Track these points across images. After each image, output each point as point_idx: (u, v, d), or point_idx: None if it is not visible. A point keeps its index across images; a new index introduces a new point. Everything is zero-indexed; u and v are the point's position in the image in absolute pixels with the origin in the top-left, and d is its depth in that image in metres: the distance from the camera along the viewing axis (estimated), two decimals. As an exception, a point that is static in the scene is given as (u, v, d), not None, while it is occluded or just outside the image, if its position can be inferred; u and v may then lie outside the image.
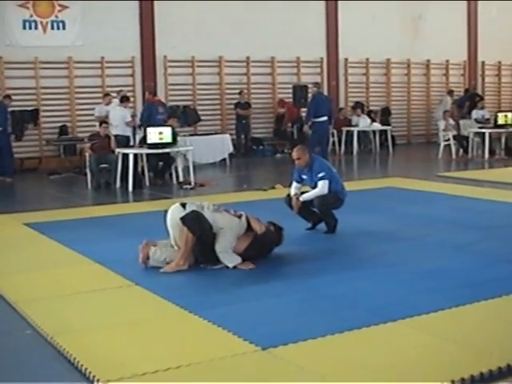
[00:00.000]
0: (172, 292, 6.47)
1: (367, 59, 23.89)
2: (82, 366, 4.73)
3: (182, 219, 7.28)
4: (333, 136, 22.15)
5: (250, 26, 21.19)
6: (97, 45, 18.98)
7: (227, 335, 5.27)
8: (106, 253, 8.14)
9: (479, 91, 26.26)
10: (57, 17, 18.71)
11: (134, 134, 16.68)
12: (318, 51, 22.85)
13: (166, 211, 7.69)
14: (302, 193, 9.20)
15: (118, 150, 14.53)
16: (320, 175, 8.96)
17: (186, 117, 19.35)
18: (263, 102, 22.11)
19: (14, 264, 7.91)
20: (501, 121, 19.18)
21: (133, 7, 19.72)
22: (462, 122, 20.80)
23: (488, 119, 20.37)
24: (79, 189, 14.72)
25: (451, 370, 4.51)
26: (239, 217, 7.57)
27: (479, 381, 4.41)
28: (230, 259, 7.32)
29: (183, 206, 7.62)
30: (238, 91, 20.94)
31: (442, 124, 19.89)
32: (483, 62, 26.78)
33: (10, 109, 16.89)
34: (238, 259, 7.35)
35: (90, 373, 4.60)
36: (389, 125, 22.88)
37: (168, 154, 14.78)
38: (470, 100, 23.70)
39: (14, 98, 17.68)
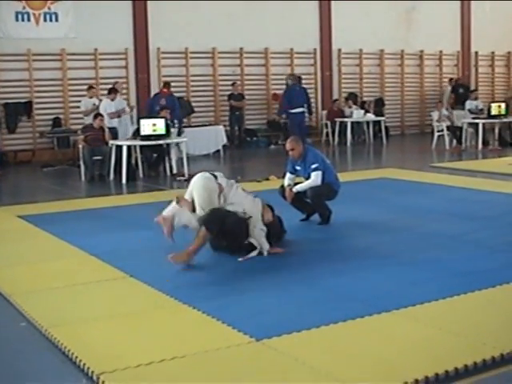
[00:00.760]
0: (166, 284, 6.47)
1: (361, 50, 23.87)
2: (76, 357, 4.73)
3: (202, 221, 7.21)
4: (326, 127, 22.19)
5: (244, 17, 21.15)
6: (90, 37, 18.93)
7: (222, 327, 5.28)
8: (101, 245, 8.14)
9: (472, 82, 26.29)
10: (49, 9, 18.63)
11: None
12: (311, 42, 22.82)
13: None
14: (296, 184, 9.20)
15: (111, 142, 14.51)
16: (313, 166, 8.97)
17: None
18: (257, 94, 22.09)
19: (8, 256, 7.91)
20: (494, 111, 19.18)
21: (126, -1, 19.71)
22: (455, 112, 20.81)
23: (481, 110, 20.38)
24: (73, 181, 14.69)
25: (445, 359, 4.52)
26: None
27: (473, 370, 4.43)
28: (265, 246, 7.45)
29: (214, 176, 7.69)
30: (231, 83, 20.91)
31: (435, 115, 19.91)
32: (476, 53, 26.78)
33: (3, 101, 16.82)
34: (267, 244, 7.46)
35: (84, 364, 4.60)
36: (382, 116, 22.89)
37: (162, 145, 14.76)
38: (453, 91, 23.84)
39: (7, 90, 17.67)
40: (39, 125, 18.75)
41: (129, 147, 14.34)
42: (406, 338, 5.00)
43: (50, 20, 18.69)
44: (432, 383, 4.27)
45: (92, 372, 4.49)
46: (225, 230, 7.18)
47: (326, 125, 22.24)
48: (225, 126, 20.17)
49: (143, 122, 14.46)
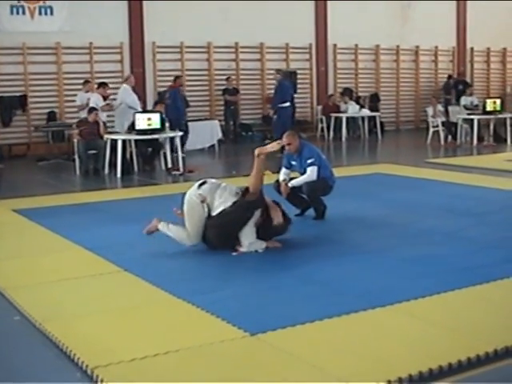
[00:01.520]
0: (161, 278, 6.47)
1: (356, 45, 23.86)
2: (70, 351, 4.73)
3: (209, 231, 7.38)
4: (321, 122, 22.19)
5: (239, 11, 21.10)
6: (85, 31, 18.87)
7: (216, 321, 5.28)
8: (95, 239, 8.13)
9: (468, 77, 26.28)
10: (44, 2, 18.56)
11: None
12: (306, 37, 22.81)
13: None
14: (291, 179, 9.21)
15: (106, 136, 14.49)
16: (309, 161, 8.97)
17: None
18: (252, 88, 22.08)
19: (2, 250, 7.89)
20: (489, 107, 19.21)
21: (121, -7, 19.66)
22: (450, 108, 20.82)
23: (477, 105, 20.40)
24: (68, 175, 14.68)
25: (439, 355, 4.53)
26: None
27: (467, 366, 4.44)
28: (259, 247, 7.40)
29: (202, 183, 7.65)
30: (225, 77, 20.90)
31: (430, 110, 19.92)
32: (472, 49, 26.78)
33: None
34: (264, 243, 7.43)
35: (78, 359, 4.60)
36: (378, 111, 22.90)
37: (157, 140, 14.75)
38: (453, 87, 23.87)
39: (1, 83, 17.65)
40: (34, 118, 18.71)
41: (124, 141, 14.33)
42: (400, 333, 5.01)
43: (45, 13, 18.63)
44: (426, 378, 4.27)
45: (86, 366, 4.48)
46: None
47: (321, 120, 22.25)
48: (220, 120, 20.16)
49: (138, 116, 14.44)
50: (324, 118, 22.05)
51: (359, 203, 10.19)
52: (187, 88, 20.49)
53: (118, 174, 13.84)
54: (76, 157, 14.67)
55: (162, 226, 7.59)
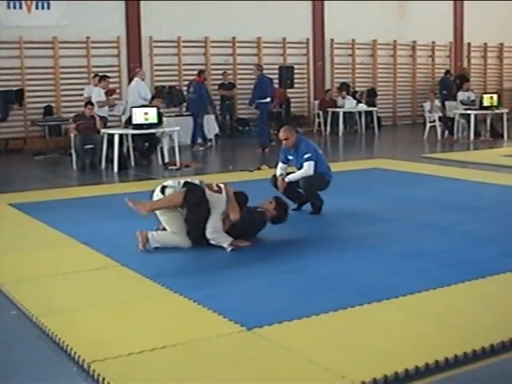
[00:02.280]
0: (158, 272, 6.48)
1: (353, 40, 23.86)
2: (67, 346, 4.73)
3: (187, 185, 7.35)
4: (318, 117, 22.19)
5: (236, 6, 21.07)
6: (82, 25, 18.86)
7: (213, 315, 5.29)
8: (92, 233, 8.13)
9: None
10: (41, -4, 18.59)
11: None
12: (304, 32, 22.80)
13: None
14: (288, 173, 9.21)
15: (103, 131, 14.48)
16: (306, 156, 8.98)
17: (171, 97, 19.29)
18: (249, 83, 21.97)
19: (-2, 245, 7.90)
20: (486, 102, 19.20)
21: (118, -13, 19.63)
22: (447, 103, 20.82)
23: (473, 101, 20.39)
24: (64, 169, 14.67)
25: (435, 350, 4.53)
26: (220, 192, 7.51)
27: (463, 361, 4.44)
28: (223, 239, 7.33)
29: (163, 189, 7.58)
30: (222, 72, 20.90)
31: (428, 105, 19.92)
32: (469, 44, 26.81)
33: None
34: (229, 238, 7.35)
35: (75, 353, 4.60)
36: (374, 106, 22.89)
37: (153, 134, 14.74)
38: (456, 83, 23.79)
39: (-2, 78, 17.63)
40: (31, 113, 18.70)
41: (120, 136, 14.32)
42: (396, 328, 5.02)
43: (42, 8, 18.60)
44: (422, 373, 4.28)
45: (83, 360, 4.49)
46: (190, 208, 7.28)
47: (318, 115, 22.26)
48: (217, 115, 20.13)
49: (135, 110, 14.42)
50: (321, 112, 22.06)
51: (356, 198, 10.20)
52: (184, 83, 20.48)
53: (115, 169, 13.83)
54: (73, 151, 14.65)
55: (153, 238, 7.44)
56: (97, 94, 15.91)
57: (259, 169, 13.11)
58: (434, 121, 19.32)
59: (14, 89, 18.26)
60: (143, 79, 17.02)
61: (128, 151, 15.04)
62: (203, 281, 6.28)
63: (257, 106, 17.72)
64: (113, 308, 5.62)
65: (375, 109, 22.49)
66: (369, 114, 22.35)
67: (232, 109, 21.11)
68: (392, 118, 25.14)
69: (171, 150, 14.81)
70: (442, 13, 25.66)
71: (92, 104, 15.14)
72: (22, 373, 4.53)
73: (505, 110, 19.56)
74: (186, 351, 4.67)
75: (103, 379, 4.23)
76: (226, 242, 7.31)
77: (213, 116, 19.18)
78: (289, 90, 20.93)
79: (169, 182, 7.70)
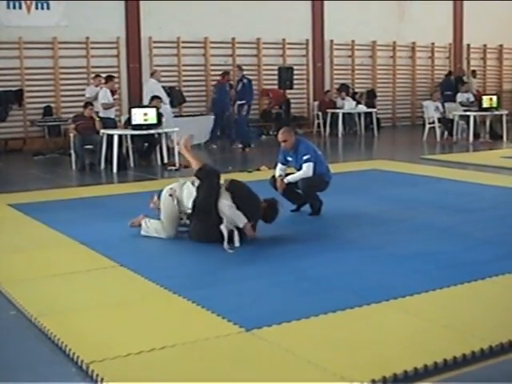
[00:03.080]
0: (157, 273, 6.47)
1: (353, 41, 23.86)
2: (66, 346, 4.73)
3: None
4: (318, 118, 22.20)
5: (236, 7, 21.06)
6: (81, 25, 18.85)
7: (211, 316, 5.28)
8: (91, 234, 8.12)
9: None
10: (41, -4, 18.58)
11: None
12: (303, 33, 22.80)
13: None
14: (287, 174, 9.21)
15: (102, 131, 14.48)
16: (305, 157, 8.98)
17: (171, 98, 19.27)
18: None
19: (-3, 245, 7.89)
20: (486, 104, 19.19)
21: (118, -12, 19.63)
22: (447, 104, 20.82)
23: (473, 102, 20.40)
24: (63, 170, 14.67)
25: (434, 351, 4.53)
26: None
27: (462, 362, 4.44)
28: (240, 219, 7.43)
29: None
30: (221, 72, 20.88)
31: (431, 105, 19.84)
32: (468, 45, 26.82)
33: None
34: (245, 219, 7.45)
35: (74, 354, 4.60)
36: (374, 107, 22.89)
37: (153, 135, 14.74)
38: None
39: (-2, 78, 17.62)
40: (30, 113, 18.69)
41: (120, 136, 14.32)
42: (395, 329, 5.02)
43: (42, 8, 18.59)
44: (421, 375, 4.28)
45: (81, 361, 4.48)
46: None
47: (318, 116, 22.25)
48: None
49: (134, 111, 14.43)
50: (320, 113, 22.05)
51: (355, 199, 10.20)
52: (183, 83, 20.53)
53: (114, 169, 13.83)
54: (72, 152, 14.64)
55: (144, 225, 7.93)
56: (103, 94, 15.92)
57: (258, 169, 13.12)
58: (434, 122, 19.31)
59: (14, 89, 18.25)
60: (159, 80, 17.29)
61: (127, 152, 15.03)
62: (202, 281, 6.28)
63: (240, 107, 17.77)
64: (111, 308, 5.61)
65: (375, 110, 22.47)
66: (368, 115, 22.33)
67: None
68: (391, 120, 25.15)
69: (170, 150, 14.79)
70: (441, 14, 25.68)
71: (92, 104, 15.14)
72: (20, 373, 4.52)
73: (504, 112, 19.55)
74: (185, 352, 4.67)
75: (102, 379, 4.23)
76: (241, 222, 7.44)
77: (212, 117, 19.15)
78: (288, 91, 20.94)
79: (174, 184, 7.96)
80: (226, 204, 7.41)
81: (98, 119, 14.81)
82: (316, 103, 22.65)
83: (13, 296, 5.90)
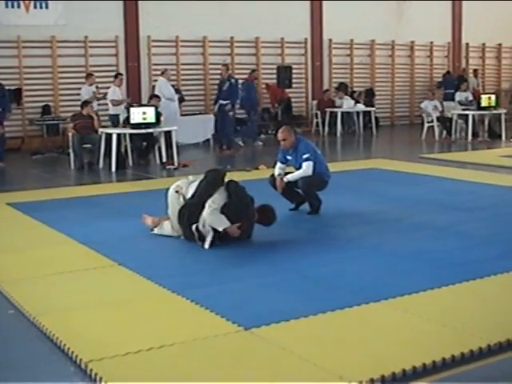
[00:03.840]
0: (155, 272, 6.47)
1: (351, 40, 23.85)
2: (64, 345, 4.73)
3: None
4: (316, 117, 22.19)
5: (235, 6, 21.05)
6: (80, 24, 18.82)
7: (210, 315, 5.29)
8: (90, 233, 8.13)
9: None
10: (40, -5, 18.57)
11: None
12: (302, 32, 22.78)
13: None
14: (286, 173, 9.21)
15: (101, 130, 14.48)
16: (305, 156, 8.98)
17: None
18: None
19: (-4, 244, 7.89)
20: (484, 103, 19.19)
21: (116, -14, 19.62)
22: (445, 103, 20.83)
23: (471, 101, 20.40)
24: (62, 169, 14.66)
25: (433, 350, 4.54)
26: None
27: (460, 361, 4.45)
28: (220, 222, 7.33)
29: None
30: (219, 72, 20.89)
31: (430, 104, 19.84)
32: (467, 44, 26.80)
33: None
34: (227, 223, 7.33)
35: (72, 352, 4.60)
36: (373, 106, 22.87)
37: (151, 134, 14.74)
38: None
39: (-4, 77, 17.59)
40: (29, 112, 18.66)
41: (118, 135, 14.31)
42: (394, 328, 5.02)
43: (40, 7, 18.57)
44: (420, 374, 4.28)
45: (80, 360, 4.49)
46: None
47: (316, 115, 22.22)
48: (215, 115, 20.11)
49: (133, 110, 14.43)
50: (319, 112, 22.02)
51: (354, 198, 10.20)
52: (182, 82, 20.51)
53: (113, 168, 13.83)
54: (71, 151, 14.63)
55: (157, 230, 7.95)
56: (112, 91, 16.08)
57: (257, 168, 13.13)
58: (432, 121, 19.31)
59: (12, 88, 18.21)
60: (169, 79, 17.53)
61: (126, 151, 15.03)
62: (200, 280, 6.28)
63: (219, 107, 17.76)
64: (110, 307, 5.61)
65: (373, 109, 22.47)
66: (367, 114, 22.33)
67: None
68: (390, 119, 25.13)
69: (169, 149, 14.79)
70: (440, 13, 25.66)
71: (90, 103, 15.14)
72: (19, 372, 4.52)
73: (503, 111, 19.58)
74: (184, 351, 4.67)
75: (100, 378, 4.23)
76: (221, 226, 7.32)
77: (211, 116, 19.12)
78: (287, 90, 20.91)
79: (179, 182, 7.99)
80: (208, 208, 7.37)
81: (96, 117, 14.81)
82: (315, 102, 22.63)
83: (11, 295, 5.90)
